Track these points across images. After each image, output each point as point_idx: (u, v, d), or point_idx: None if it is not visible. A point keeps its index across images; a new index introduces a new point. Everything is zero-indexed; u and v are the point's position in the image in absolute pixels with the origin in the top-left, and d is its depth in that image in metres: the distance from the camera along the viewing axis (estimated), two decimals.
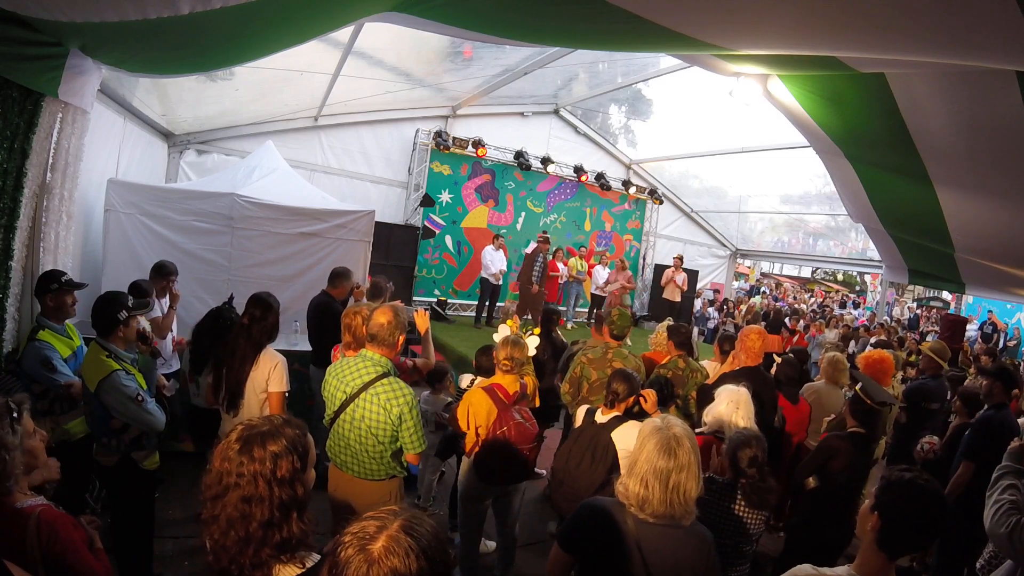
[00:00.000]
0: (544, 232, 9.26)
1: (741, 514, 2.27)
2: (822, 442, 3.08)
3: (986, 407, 3.51)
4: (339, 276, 4.19)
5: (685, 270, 10.72)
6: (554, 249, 9.43)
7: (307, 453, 1.30)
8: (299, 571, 1.24)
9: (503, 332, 3.06)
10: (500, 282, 8.75)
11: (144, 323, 2.80)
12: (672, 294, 10.39)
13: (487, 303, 8.78)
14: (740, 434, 2.38)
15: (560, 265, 9.46)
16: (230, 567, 1.20)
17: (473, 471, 2.85)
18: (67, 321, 2.87)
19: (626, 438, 2.50)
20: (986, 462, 2.87)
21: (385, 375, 2.35)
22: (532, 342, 3.13)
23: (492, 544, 3.36)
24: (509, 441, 2.72)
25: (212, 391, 2.78)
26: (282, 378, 2.68)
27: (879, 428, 3.35)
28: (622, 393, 2.70)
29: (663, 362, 3.85)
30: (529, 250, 9.00)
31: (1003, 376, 3.52)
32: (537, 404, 3.04)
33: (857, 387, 3.04)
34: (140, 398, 2.40)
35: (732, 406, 2.67)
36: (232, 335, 2.74)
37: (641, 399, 2.76)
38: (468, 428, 2.84)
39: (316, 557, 1.27)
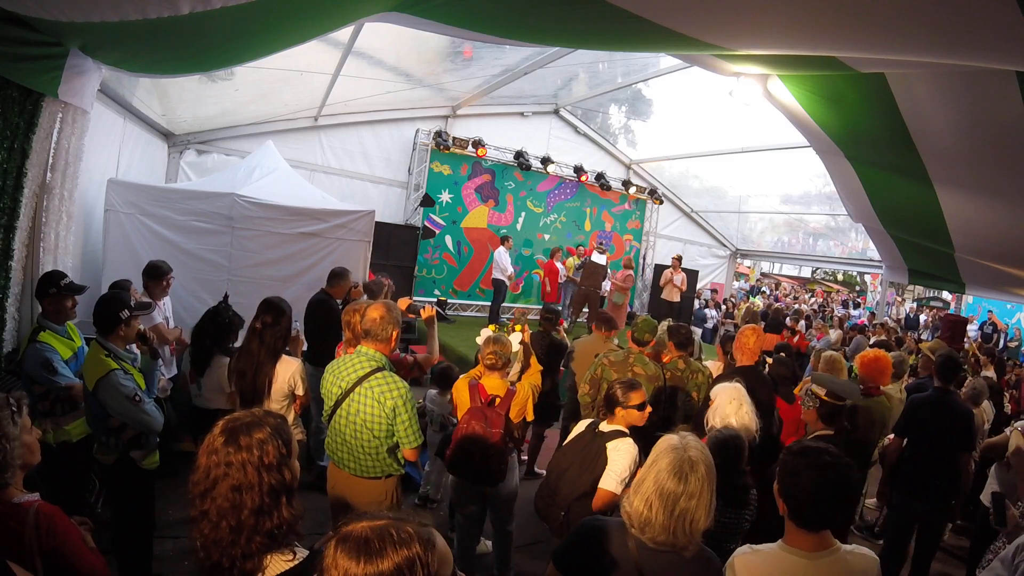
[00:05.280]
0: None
1: (727, 518, 2.23)
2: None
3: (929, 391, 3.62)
4: (337, 276, 4.25)
5: (684, 270, 10.70)
6: (553, 248, 9.77)
7: (290, 440, 1.31)
8: (289, 562, 1.24)
9: (485, 334, 3.11)
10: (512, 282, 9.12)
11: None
12: (671, 294, 10.35)
13: (501, 303, 9.03)
14: (715, 437, 2.32)
15: (559, 265, 9.57)
16: (221, 560, 1.20)
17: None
18: (68, 321, 2.87)
19: (618, 451, 2.39)
20: (911, 437, 3.46)
21: (379, 369, 2.36)
22: (515, 339, 3.19)
23: (491, 544, 3.36)
24: (472, 437, 2.72)
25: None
26: (305, 381, 2.82)
27: (858, 426, 3.27)
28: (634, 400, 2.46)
29: (665, 362, 3.85)
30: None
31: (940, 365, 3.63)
32: (530, 418, 2.91)
33: (810, 385, 2.85)
34: (137, 398, 2.39)
35: (735, 404, 2.65)
36: (244, 341, 2.79)
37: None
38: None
39: (305, 552, 1.28)
